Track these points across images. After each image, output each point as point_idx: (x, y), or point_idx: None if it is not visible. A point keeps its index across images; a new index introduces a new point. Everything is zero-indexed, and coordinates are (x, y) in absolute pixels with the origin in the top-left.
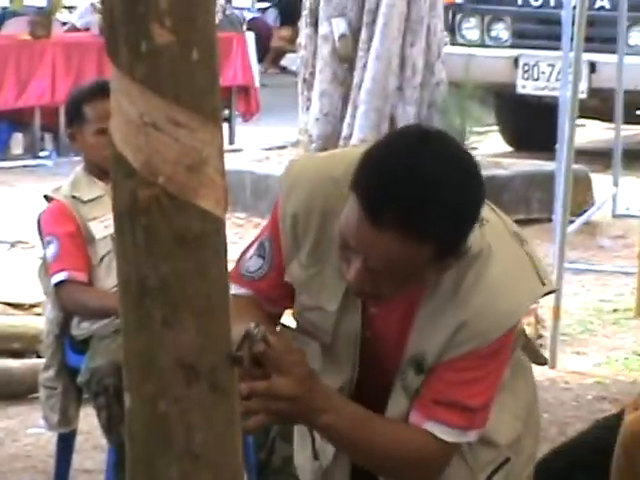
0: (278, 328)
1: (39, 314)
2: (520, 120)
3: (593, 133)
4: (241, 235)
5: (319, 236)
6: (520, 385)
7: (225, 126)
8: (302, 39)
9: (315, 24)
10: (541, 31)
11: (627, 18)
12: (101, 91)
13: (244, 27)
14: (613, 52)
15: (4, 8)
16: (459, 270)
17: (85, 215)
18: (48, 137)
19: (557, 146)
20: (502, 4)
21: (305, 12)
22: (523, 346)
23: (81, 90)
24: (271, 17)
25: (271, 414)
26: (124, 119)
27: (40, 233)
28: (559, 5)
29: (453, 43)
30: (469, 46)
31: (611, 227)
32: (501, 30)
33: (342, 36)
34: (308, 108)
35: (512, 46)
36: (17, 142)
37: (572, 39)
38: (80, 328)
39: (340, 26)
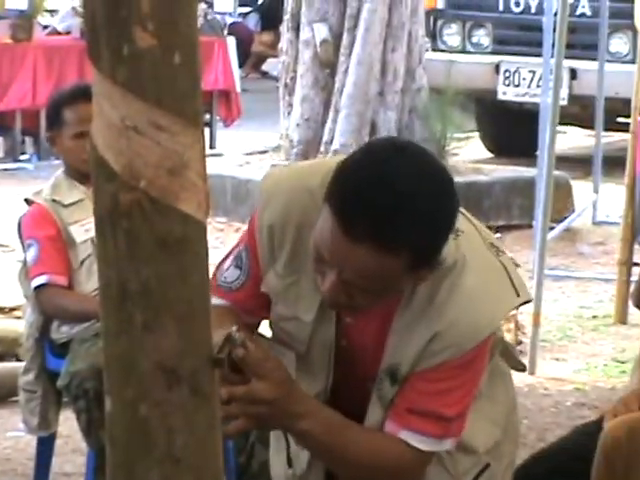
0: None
1: (19, 317)
2: (501, 126)
3: (574, 140)
4: (222, 240)
5: (295, 247)
6: (498, 391)
7: (206, 131)
8: (283, 44)
9: (297, 29)
10: (522, 37)
11: (608, 25)
12: (81, 95)
13: (225, 32)
14: (594, 59)
15: None
16: (434, 282)
17: (66, 219)
18: (29, 140)
19: (538, 152)
20: (483, 10)
21: (287, 17)
22: (501, 352)
23: (61, 94)
24: (252, 22)
25: (250, 418)
26: (105, 122)
27: (20, 236)
28: (540, 12)
29: (434, 49)
30: (450, 52)
31: (591, 234)
32: (482, 36)
33: (323, 41)
34: (289, 113)
35: (493, 52)
36: None
37: (553, 46)
38: (60, 332)
39: (321, 31)
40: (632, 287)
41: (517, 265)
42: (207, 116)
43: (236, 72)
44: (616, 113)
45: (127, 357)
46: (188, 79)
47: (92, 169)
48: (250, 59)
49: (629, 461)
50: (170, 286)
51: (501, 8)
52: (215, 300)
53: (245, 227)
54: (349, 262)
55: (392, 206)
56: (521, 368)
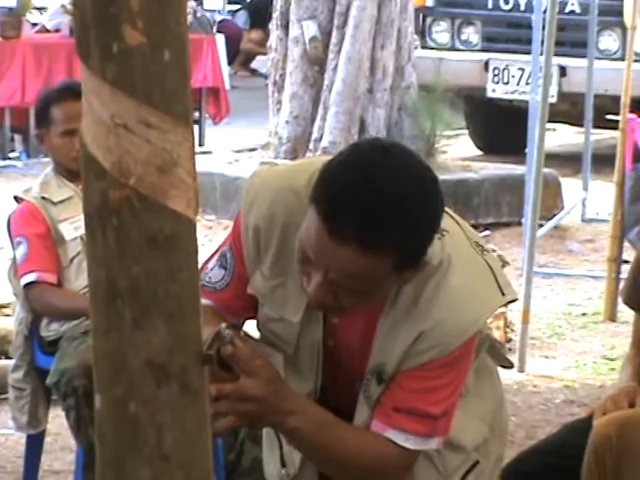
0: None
1: (8, 315)
2: (490, 124)
3: (563, 137)
4: (210, 237)
5: (281, 248)
6: (486, 388)
7: (195, 128)
8: (272, 41)
9: (286, 26)
10: (511, 35)
11: (597, 22)
12: (70, 92)
13: (214, 29)
14: (583, 56)
15: None
16: (419, 282)
17: (55, 216)
18: (18, 138)
19: (527, 150)
20: (472, 8)
21: (276, 14)
22: (488, 350)
23: (50, 91)
24: (241, 19)
25: (239, 415)
26: (95, 120)
27: (10, 234)
28: (529, 9)
29: (423, 46)
30: (439, 49)
31: (580, 231)
32: (471, 34)
33: (313, 38)
34: (278, 110)
35: (482, 50)
36: None
37: (542, 43)
38: (49, 329)
39: (311, 29)
40: (621, 284)
41: (506, 263)
42: (196, 113)
43: (225, 69)
44: (605, 110)
45: (116, 354)
46: (177, 77)
47: (82, 166)
48: (239, 56)
49: (618, 458)
50: (160, 283)
51: (490, 6)
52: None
53: None
54: (335, 263)
55: (377, 207)
56: (508, 365)
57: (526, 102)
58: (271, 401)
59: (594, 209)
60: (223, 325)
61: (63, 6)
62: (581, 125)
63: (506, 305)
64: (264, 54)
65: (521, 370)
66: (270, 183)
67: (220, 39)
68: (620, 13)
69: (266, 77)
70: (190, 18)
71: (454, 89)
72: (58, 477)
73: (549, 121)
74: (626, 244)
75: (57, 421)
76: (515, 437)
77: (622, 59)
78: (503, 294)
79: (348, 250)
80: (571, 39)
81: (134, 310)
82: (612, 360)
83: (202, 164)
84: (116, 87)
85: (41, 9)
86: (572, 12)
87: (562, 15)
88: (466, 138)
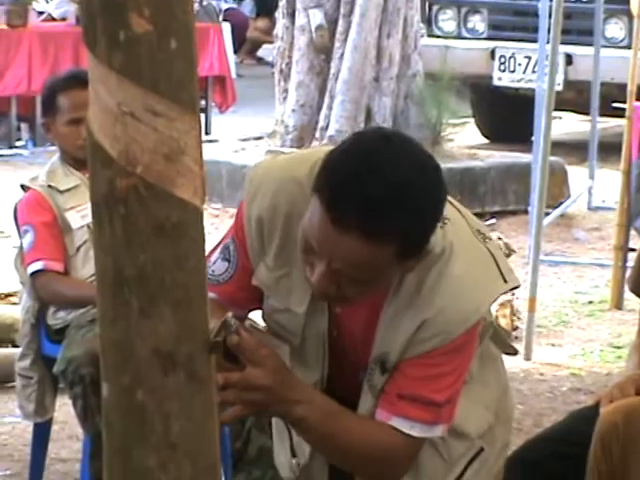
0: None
1: (15, 303)
2: (496, 112)
3: (569, 125)
4: (217, 226)
5: (285, 239)
6: (490, 376)
7: (201, 117)
8: (279, 30)
9: (292, 15)
10: (517, 23)
11: (604, 10)
12: (76, 81)
13: (220, 17)
14: (590, 44)
15: None
16: (421, 270)
17: (62, 205)
18: (24, 127)
19: (533, 138)
20: None
21: (282, 3)
22: (492, 337)
23: (56, 80)
24: (247, 8)
25: (246, 405)
26: (102, 108)
27: (16, 222)
28: None
29: (429, 35)
30: (445, 38)
31: (587, 219)
32: (477, 22)
33: (319, 27)
34: (285, 99)
35: (488, 38)
36: None
37: (549, 31)
38: (56, 317)
39: (317, 17)
40: (628, 272)
41: (512, 251)
42: (202, 102)
43: (231, 58)
44: (612, 98)
45: (124, 343)
46: (184, 65)
47: (88, 155)
48: (245, 45)
49: (625, 446)
50: (166, 272)
51: None
52: None
53: None
54: (338, 252)
55: (380, 196)
56: (512, 352)
57: (532, 90)
58: (277, 390)
59: (600, 197)
60: (229, 314)
61: None
62: (587, 113)
63: (512, 291)
64: (270, 42)
65: (528, 358)
66: (272, 174)
67: (226, 27)
68: (626, 1)
69: (272, 65)
70: (196, 6)
71: (460, 77)
72: (65, 465)
73: (555, 109)
74: (632, 232)
75: (64, 409)
76: (522, 425)
77: (628, 47)
78: (505, 281)
79: (351, 239)
80: (577, 27)
81: (141, 298)
82: (619, 348)
83: (208, 153)
84: (123, 75)
85: None
86: (578, 0)
87: (568, 3)
88: (472, 126)
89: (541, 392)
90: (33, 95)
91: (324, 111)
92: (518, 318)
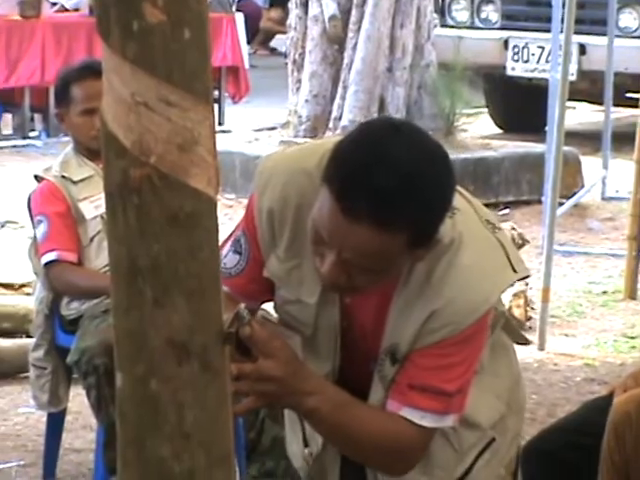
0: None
1: (29, 294)
2: (510, 102)
3: (583, 115)
4: (231, 216)
5: (295, 230)
6: (501, 366)
7: (214, 107)
8: (292, 20)
9: (305, 5)
10: (531, 13)
11: (617, 0)
12: (89, 71)
13: (233, 8)
14: (603, 34)
15: None
16: (431, 260)
17: (75, 195)
18: (38, 117)
19: (547, 128)
20: None
21: None
22: (504, 327)
23: (69, 70)
24: None
25: (259, 396)
26: (115, 98)
27: (30, 213)
28: None
29: (443, 25)
30: (459, 28)
31: (600, 209)
32: (491, 12)
33: (332, 17)
34: (298, 89)
35: (502, 28)
36: (6, 122)
37: (562, 21)
38: (70, 308)
39: (330, 7)
40: None
41: (526, 241)
42: (215, 92)
43: (244, 48)
44: (625, 88)
45: (137, 333)
46: (198, 55)
47: (102, 145)
48: (258, 35)
49: (638, 435)
50: (180, 262)
51: None
52: None
53: None
54: (348, 242)
55: (391, 185)
56: (524, 342)
57: (546, 80)
58: (290, 382)
59: (614, 187)
60: (242, 306)
61: None
62: (601, 103)
63: (525, 282)
64: (283, 33)
65: (541, 348)
66: (282, 166)
67: (239, 18)
68: None
69: (285, 56)
70: None
71: (473, 67)
72: (79, 455)
73: (569, 99)
74: None
75: (78, 400)
76: (536, 415)
77: None
78: (515, 271)
79: (361, 228)
80: (591, 17)
81: (155, 288)
82: (632, 338)
83: (222, 143)
84: (136, 65)
85: None
86: None
87: None
88: (486, 116)
89: (555, 382)
90: (46, 86)
91: (337, 101)
92: (532, 308)
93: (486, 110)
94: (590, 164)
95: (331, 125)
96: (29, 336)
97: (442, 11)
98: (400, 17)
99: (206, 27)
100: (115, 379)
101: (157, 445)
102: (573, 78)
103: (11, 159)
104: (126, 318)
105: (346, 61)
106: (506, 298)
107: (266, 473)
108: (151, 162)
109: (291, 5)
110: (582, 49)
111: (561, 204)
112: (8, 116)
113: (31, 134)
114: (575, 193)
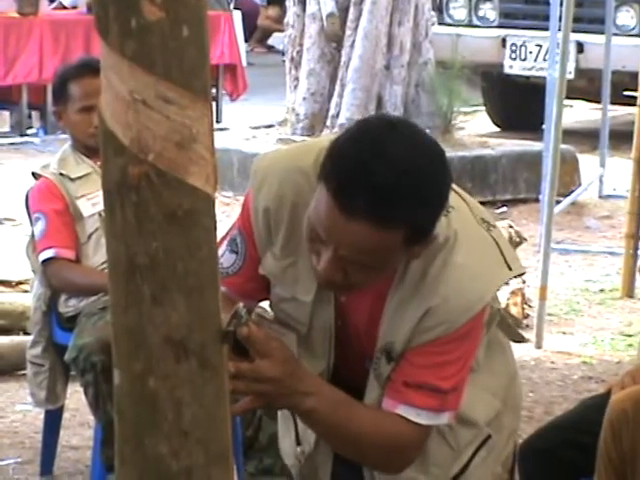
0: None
1: (26, 291)
2: (507, 100)
3: (580, 114)
4: (228, 214)
5: (291, 228)
6: (497, 363)
7: (212, 105)
8: (290, 18)
9: (303, 3)
10: (529, 11)
11: None
12: (87, 69)
13: (231, 6)
14: (601, 32)
15: None
16: (426, 259)
17: (73, 192)
18: (35, 115)
19: (544, 126)
20: None
21: None
22: (499, 324)
23: (67, 68)
24: None
25: (256, 397)
26: (114, 96)
27: (28, 210)
28: None
29: (440, 23)
30: (456, 26)
31: (598, 208)
32: (488, 10)
33: (330, 15)
34: (295, 87)
35: (499, 26)
36: (4, 120)
37: (560, 19)
38: (67, 305)
39: (328, 5)
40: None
41: (523, 239)
42: (213, 90)
43: (242, 46)
44: (623, 86)
45: (136, 330)
46: (196, 52)
47: (101, 142)
48: (256, 33)
49: (636, 433)
50: (178, 259)
51: None
52: None
53: None
54: (345, 238)
55: (388, 182)
56: (520, 339)
57: (543, 78)
58: (287, 382)
59: (611, 185)
60: (240, 305)
61: None
62: (598, 101)
63: (523, 280)
64: (281, 31)
65: (538, 346)
66: (278, 164)
67: (237, 15)
68: None
69: (283, 54)
70: None
71: (471, 65)
72: (76, 453)
73: (566, 97)
74: None
75: (75, 397)
76: (533, 413)
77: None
78: (510, 269)
79: (359, 225)
80: (589, 15)
81: (153, 286)
82: (630, 336)
83: (219, 141)
84: (135, 63)
85: None
86: None
87: None
88: (483, 114)
89: (552, 380)
90: (44, 83)
91: (335, 99)
92: (529, 306)
93: (484, 108)
94: (587, 162)
95: (329, 123)
96: (26, 333)
97: (440, 9)
98: (398, 15)
99: (204, 25)
100: (113, 376)
101: (155, 443)
102: (571, 76)
103: (9, 156)
104: (124, 315)
105: (344, 59)
106: (503, 296)
107: (264, 470)
108: (149, 159)
109: (289, 3)
110: (580, 47)
111: (558, 202)
112: (6, 113)
113: (29, 131)
114: (572, 191)
